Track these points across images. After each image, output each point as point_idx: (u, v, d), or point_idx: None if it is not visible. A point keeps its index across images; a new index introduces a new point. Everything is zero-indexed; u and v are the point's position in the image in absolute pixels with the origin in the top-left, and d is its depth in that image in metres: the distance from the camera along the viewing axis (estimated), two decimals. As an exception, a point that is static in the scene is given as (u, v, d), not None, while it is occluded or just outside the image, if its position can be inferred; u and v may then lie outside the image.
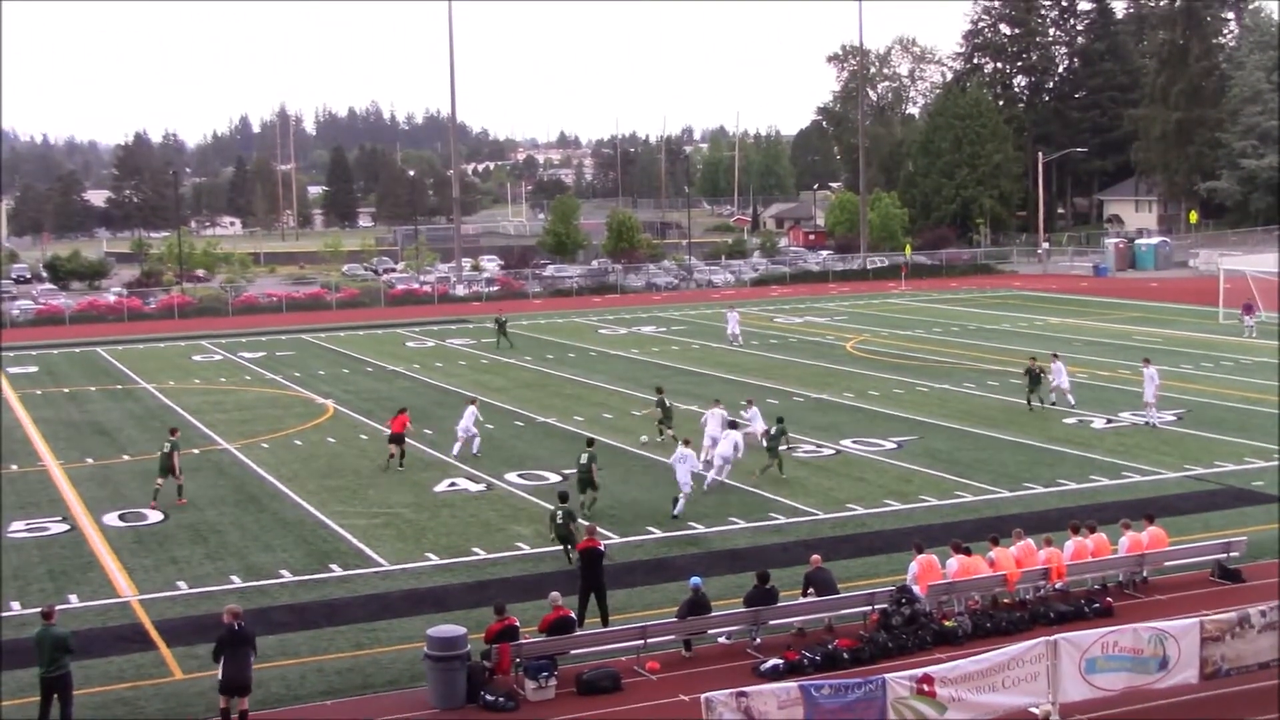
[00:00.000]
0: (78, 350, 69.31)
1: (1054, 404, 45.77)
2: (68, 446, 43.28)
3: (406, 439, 39.46)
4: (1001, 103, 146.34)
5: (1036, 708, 19.34)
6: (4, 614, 26.12)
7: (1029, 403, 45.61)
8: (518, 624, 22.28)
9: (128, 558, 29.99)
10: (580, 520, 29.00)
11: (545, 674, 21.62)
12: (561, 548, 28.70)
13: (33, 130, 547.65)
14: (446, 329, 76.10)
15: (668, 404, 41.62)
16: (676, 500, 32.77)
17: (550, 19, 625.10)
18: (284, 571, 28.77)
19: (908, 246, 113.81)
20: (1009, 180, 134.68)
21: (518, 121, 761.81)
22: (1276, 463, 36.52)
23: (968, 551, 25.03)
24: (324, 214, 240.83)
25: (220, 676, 20.35)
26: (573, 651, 22.43)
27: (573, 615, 23.33)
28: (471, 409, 40.86)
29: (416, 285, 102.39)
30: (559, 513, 28.52)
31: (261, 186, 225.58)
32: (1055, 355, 48.44)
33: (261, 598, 26.58)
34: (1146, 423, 42.41)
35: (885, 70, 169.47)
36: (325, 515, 33.40)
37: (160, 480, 35.10)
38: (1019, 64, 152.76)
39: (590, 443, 34.98)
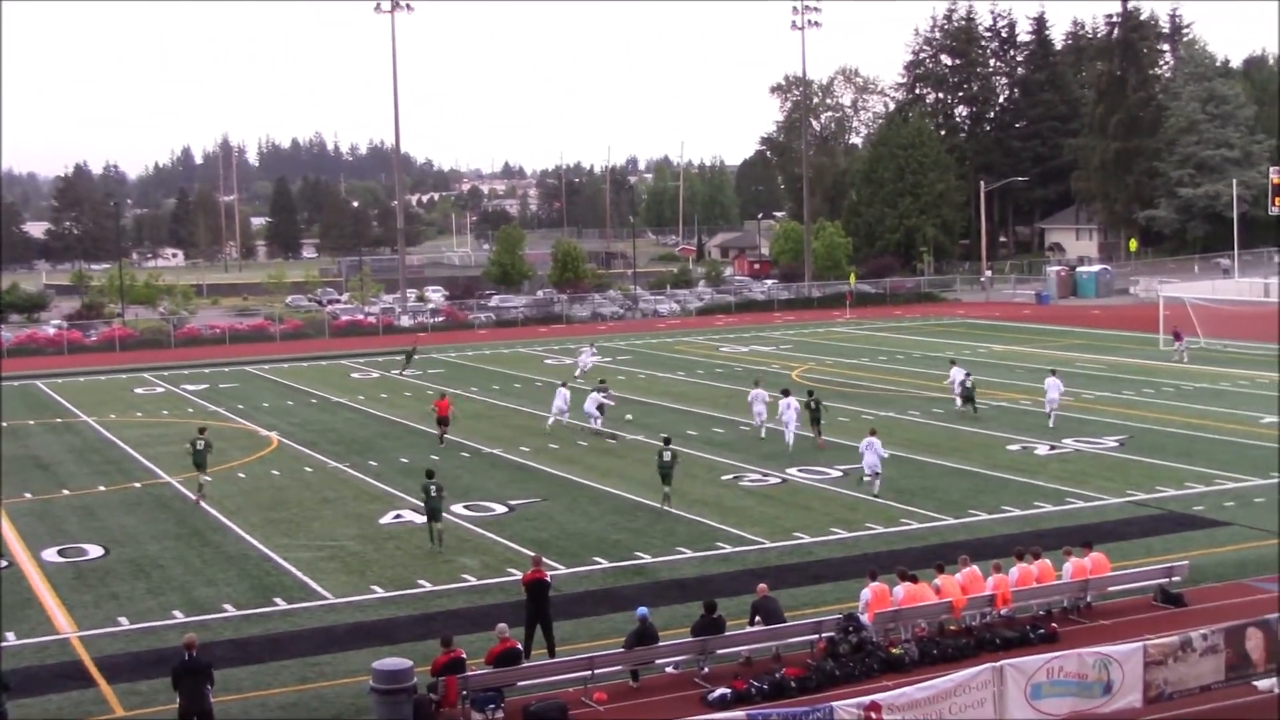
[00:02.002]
0: (16, 384, 68.44)
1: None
2: (6, 481, 42.66)
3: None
4: (943, 132, 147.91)
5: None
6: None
7: (973, 409, 49.08)
8: (464, 656, 22.12)
9: (67, 594, 29.61)
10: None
11: (492, 706, 21.50)
12: (428, 524, 32.71)
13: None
14: (392, 360, 75.67)
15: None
16: (871, 481, 36.80)
17: (495, 50, 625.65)
18: (227, 606, 28.48)
19: (852, 275, 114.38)
20: (952, 209, 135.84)
21: (462, 152, 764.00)
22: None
23: (914, 579, 25.08)
24: (267, 245, 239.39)
25: (178, 706, 20.29)
26: (520, 683, 22.30)
27: (519, 647, 23.21)
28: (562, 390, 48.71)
29: (361, 316, 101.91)
30: (431, 486, 32.27)
31: (204, 218, 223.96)
32: (1053, 371, 50.31)
33: (204, 632, 26.21)
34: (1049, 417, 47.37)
35: (828, 100, 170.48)
36: (269, 548, 33.11)
37: (205, 477, 38.91)
38: (960, 94, 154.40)
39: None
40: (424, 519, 34.80)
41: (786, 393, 47.15)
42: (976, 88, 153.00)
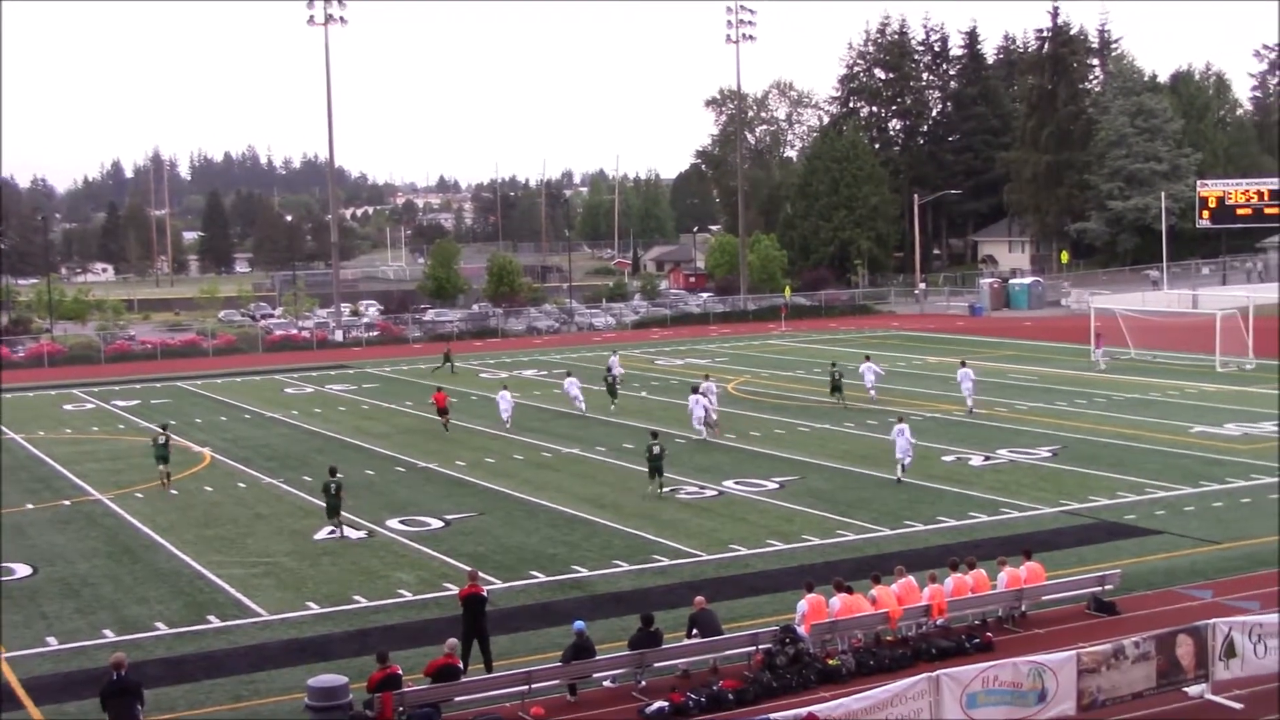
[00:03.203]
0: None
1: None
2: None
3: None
4: (878, 145, 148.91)
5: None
6: None
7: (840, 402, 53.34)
8: (400, 672, 21.97)
9: (-6, 613, 29.18)
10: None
11: (429, 722, 21.29)
12: (335, 520, 34.86)
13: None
14: (326, 375, 75.29)
15: (656, 450, 39.79)
16: (902, 467, 39.99)
17: (429, 63, 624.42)
18: (159, 624, 28.14)
19: (787, 288, 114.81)
20: (886, 222, 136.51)
21: (397, 166, 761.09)
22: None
23: (850, 590, 25.14)
24: (200, 260, 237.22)
25: None
26: (456, 699, 22.16)
27: (459, 663, 23.03)
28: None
29: (295, 331, 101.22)
30: (332, 485, 34.42)
31: (135, 232, 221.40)
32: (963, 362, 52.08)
33: (136, 651, 25.82)
34: (972, 406, 51.89)
35: (763, 114, 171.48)
36: (202, 565, 32.74)
37: (163, 467, 42.61)
38: (894, 108, 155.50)
39: (655, 435, 41.06)
40: (361, 534, 34.73)
41: (695, 389, 50.83)
42: (910, 101, 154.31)
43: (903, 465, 40.43)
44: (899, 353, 77.91)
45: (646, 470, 39.83)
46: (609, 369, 60.30)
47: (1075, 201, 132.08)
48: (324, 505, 35.85)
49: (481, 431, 52.32)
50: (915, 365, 71.07)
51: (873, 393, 56.55)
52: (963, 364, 56.18)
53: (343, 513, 35.75)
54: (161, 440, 43.70)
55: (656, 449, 39.46)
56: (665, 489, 39.42)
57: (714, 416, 50.47)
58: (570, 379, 57.42)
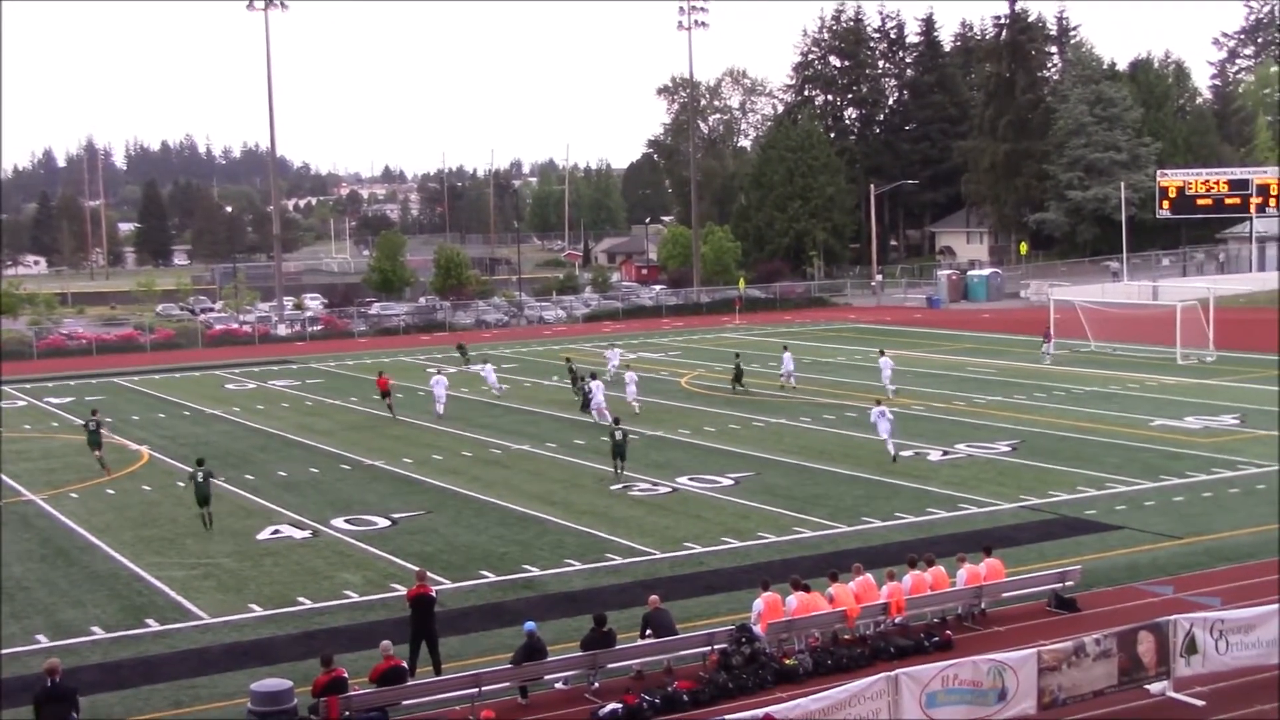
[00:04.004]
0: None
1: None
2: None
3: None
4: (833, 135, 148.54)
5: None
6: None
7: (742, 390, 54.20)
8: (346, 675, 21.51)
9: (-78, 619, 28.32)
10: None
11: (376, 727, 20.83)
12: (201, 510, 35.06)
13: None
14: (268, 370, 74.39)
15: (619, 436, 41.02)
16: (891, 449, 41.71)
17: (374, 49, 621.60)
18: (95, 628, 27.42)
19: (741, 280, 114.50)
20: (842, 213, 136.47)
21: (340, 155, 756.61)
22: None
23: (807, 588, 24.86)
24: (136, 252, 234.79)
25: None
26: (405, 702, 21.74)
27: (404, 665, 22.62)
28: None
29: (236, 325, 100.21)
30: (199, 474, 34.86)
31: (68, 223, 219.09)
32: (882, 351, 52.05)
33: (71, 657, 25.09)
34: (893, 392, 53.96)
35: (716, 102, 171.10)
36: (140, 567, 32.01)
37: (98, 452, 43.98)
38: (849, 96, 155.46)
39: (618, 421, 42.40)
40: (305, 534, 34.19)
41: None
42: (866, 89, 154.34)
43: (892, 445, 42.01)
44: (855, 345, 77.75)
45: (610, 454, 40.84)
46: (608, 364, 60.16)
47: (1034, 191, 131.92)
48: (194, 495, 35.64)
49: (428, 428, 51.70)
50: (870, 359, 70.61)
51: (792, 380, 58.23)
52: (881, 353, 58.64)
53: (302, 519, 35.24)
54: (92, 426, 44.74)
55: (619, 435, 40.45)
56: (621, 476, 40.17)
57: (636, 408, 52.35)
58: (439, 378, 55.74)
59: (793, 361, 59.63)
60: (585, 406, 52.55)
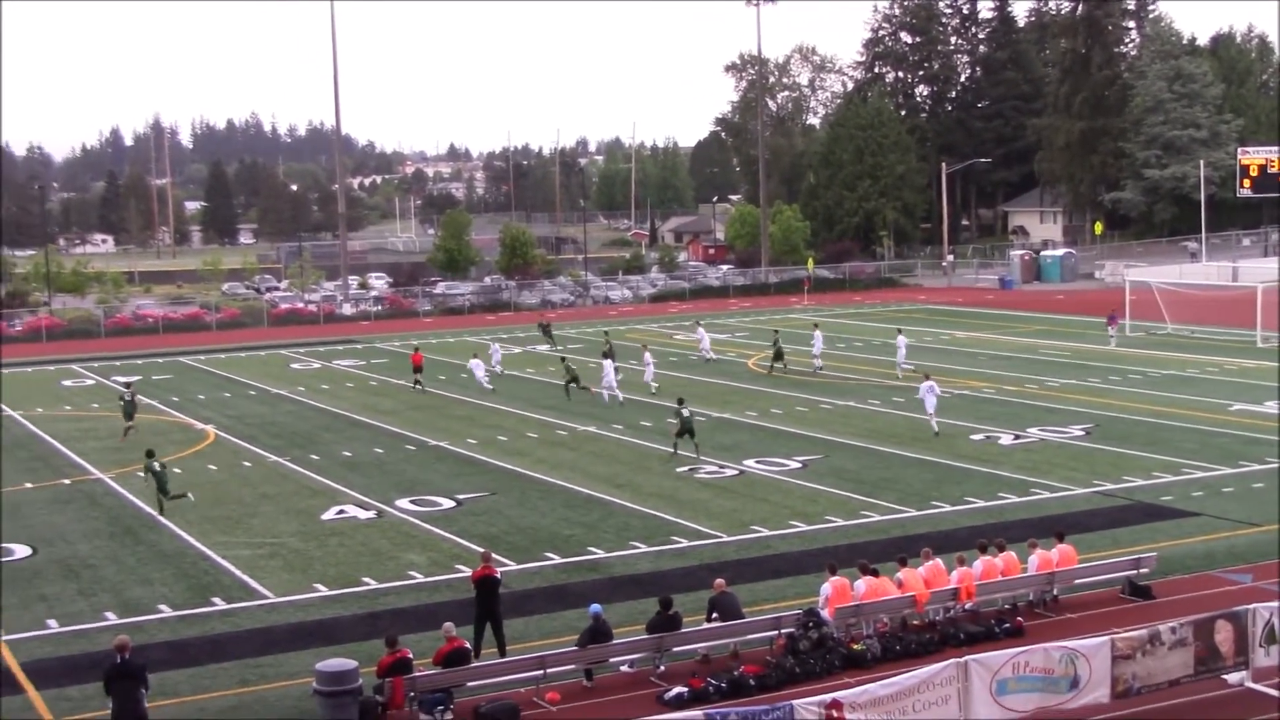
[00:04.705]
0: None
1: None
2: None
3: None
4: (904, 112, 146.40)
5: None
6: None
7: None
8: (410, 656, 21.51)
9: (-8, 595, 28.60)
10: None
11: (441, 708, 20.99)
12: (169, 496, 35.23)
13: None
14: (333, 350, 74.70)
15: (686, 413, 41.32)
16: (934, 425, 42.83)
17: (439, 27, 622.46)
18: (163, 606, 27.57)
19: (810, 260, 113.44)
20: (912, 192, 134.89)
21: (406, 133, 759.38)
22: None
23: (875, 573, 24.63)
24: (202, 230, 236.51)
25: (111, 712, 19.65)
26: (469, 683, 21.75)
27: (468, 646, 22.61)
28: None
29: (301, 304, 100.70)
30: (155, 464, 35.41)
31: (135, 202, 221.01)
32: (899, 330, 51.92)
33: (139, 634, 25.24)
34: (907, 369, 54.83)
35: (785, 80, 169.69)
36: (207, 546, 32.17)
37: (130, 423, 46.24)
38: (921, 73, 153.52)
39: (682, 401, 42.36)
40: (370, 515, 34.48)
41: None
42: (937, 66, 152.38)
43: (935, 421, 42.73)
44: (926, 327, 76.97)
45: (677, 434, 40.87)
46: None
47: (1110, 170, 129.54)
48: (157, 486, 35.55)
49: (493, 409, 51.68)
50: (942, 340, 70.17)
51: (904, 365, 56.99)
52: (899, 331, 59.51)
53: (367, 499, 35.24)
54: (127, 398, 47.46)
55: (686, 412, 40.93)
56: (678, 460, 40.19)
57: (653, 387, 53.34)
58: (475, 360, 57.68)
59: (822, 341, 60.05)
60: (574, 381, 53.37)
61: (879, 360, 57.85)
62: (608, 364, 52.93)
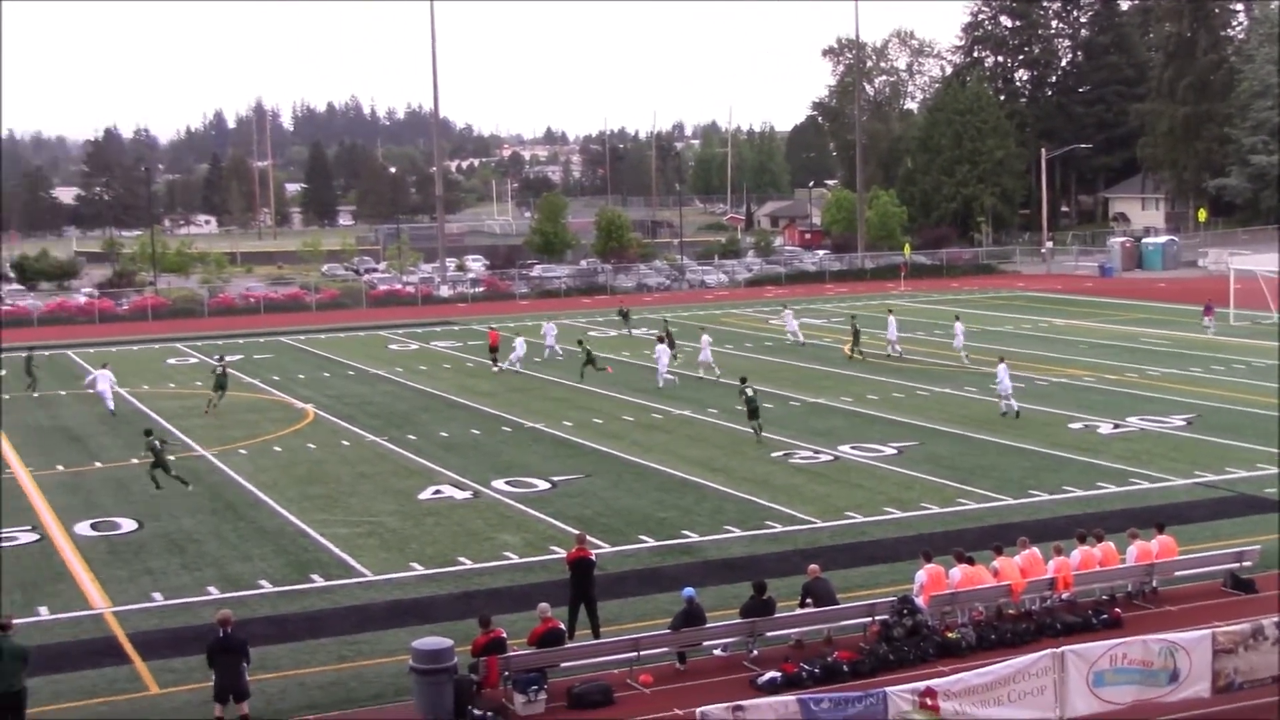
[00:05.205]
0: (47, 353, 67.99)
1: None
2: (37, 453, 42.36)
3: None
4: (1003, 97, 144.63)
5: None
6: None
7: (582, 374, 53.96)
8: (505, 636, 21.63)
9: (100, 568, 29.18)
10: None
11: (535, 687, 21.02)
12: (154, 476, 35.79)
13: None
14: (431, 331, 75.29)
15: (750, 393, 41.74)
16: (1008, 405, 43.44)
17: (537, 11, 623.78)
18: (263, 582, 28.01)
19: (907, 246, 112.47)
20: (1011, 177, 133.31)
21: (503, 117, 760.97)
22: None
23: (971, 561, 24.40)
24: (302, 212, 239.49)
25: (213, 685, 20.01)
26: (563, 664, 21.83)
27: (562, 627, 22.70)
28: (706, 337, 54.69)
29: (399, 286, 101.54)
30: (155, 443, 36.14)
31: (237, 184, 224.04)
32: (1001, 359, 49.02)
33: (240, 609, 25.57)
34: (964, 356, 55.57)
35: (882, 64, 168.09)
36: (306, 524, 32.61)
37: (217, 395, 48.57)
38: (1021, 57, 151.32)
39: (745, 379, 43.34)
40: (466, 495, 34.85)
41: (661, 339, 55.05)
42: (1038, 50, 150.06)
43: (1004, 403, 43.45)
44: (1023, 314, 76.18)
45: (747, 415, 41.27)
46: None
47: (1214, 156, 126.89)
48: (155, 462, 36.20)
49: (589, 391, 51.84)
50: (1040, 327, 69.33)
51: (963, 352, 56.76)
52: (956, 318, 59.96)
53: (464, 479, 35.74)
54: (219, 370, 49.61)
55: (750, 391, 41.51)
56: (772, 444, 40.27)
57: (717, 371, 53.64)
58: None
59: (897, 327, 60.22)
60: (590, 361, 54.46)
61: (976, 347, 57.20)
62: (662, 348, 53.33)
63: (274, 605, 26.54)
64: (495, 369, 57.24)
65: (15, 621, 20.81)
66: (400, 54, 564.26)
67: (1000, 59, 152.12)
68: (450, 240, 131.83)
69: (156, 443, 36.42)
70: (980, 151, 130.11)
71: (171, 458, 37.33)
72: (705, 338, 55.56)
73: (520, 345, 58.57)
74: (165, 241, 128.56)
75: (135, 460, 40.46)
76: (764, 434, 41.02)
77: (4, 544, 31.32)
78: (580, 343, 57.54)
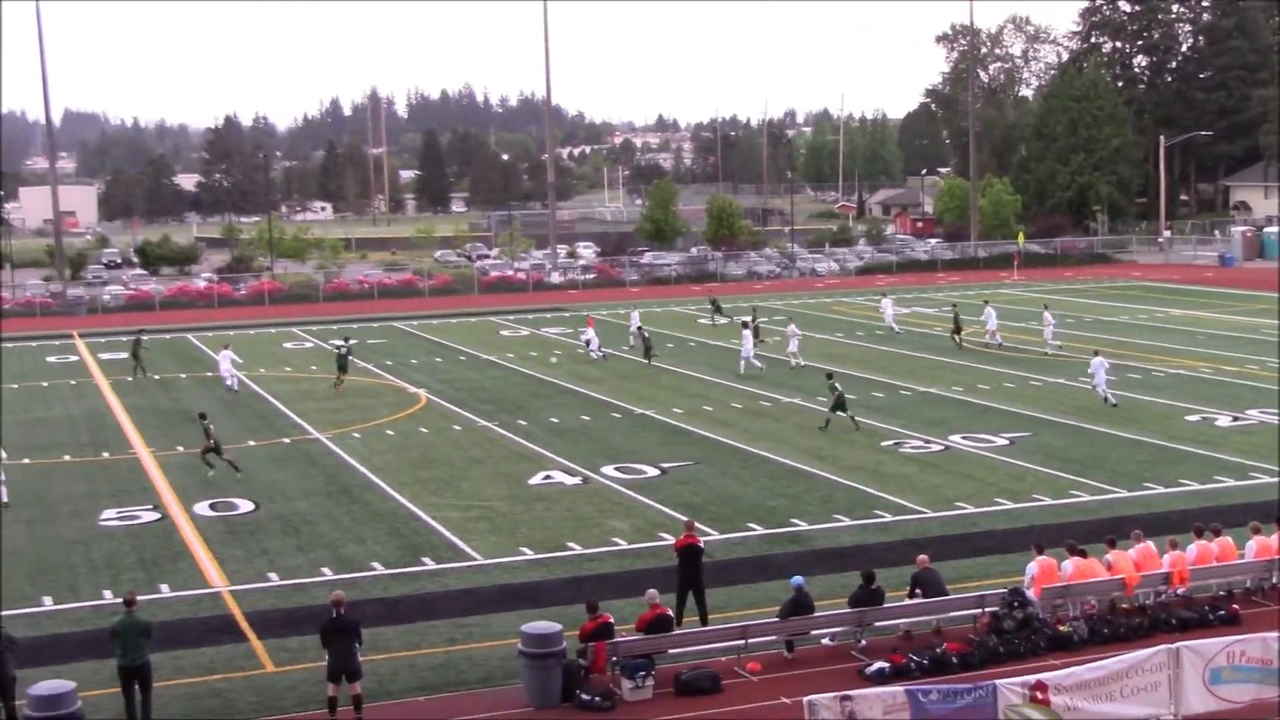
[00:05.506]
0: (168, 336, 69.53)
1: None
2: (158, 434, 43.23)
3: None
4: (1121, 84, 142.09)
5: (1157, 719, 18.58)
6: (95, 603, 26.15)
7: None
8: (612, 621, 21.72)
9: (219, 548, 29.77)
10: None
11: (642, 673, 21.11)
12: (221, 460, 36.37)
13: (124, 114, 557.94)
14: (542, 317, 75.69)
15: (838, 387, 41.66)
16: (1105, 395, 43.46)
17: None
18: (376, 564, 28.39)
19: (1020, 234, 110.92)
20: (1128, 165, 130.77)
21: (615, 104, 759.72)
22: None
23: (1083, 554, 24.11)
24: (416, 199, 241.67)
25: (327, 663, 20.30)
26: (671, 651, 21.87)
27: (670, 614, 22.73)
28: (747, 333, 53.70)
29: (511, 272, 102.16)
30: (210, 427, 36.86)
31: (353, 171, 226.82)
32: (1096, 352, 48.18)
33: (353, 590, 25.94)
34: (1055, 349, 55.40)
35: (997, 50, 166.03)
36: (417, 507, 32.98)
37: (342, 375, 50.46)
38: (1140, 43, 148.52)
39: (830, 375, 43.00)
40: (576, 480, 35.13)
41: (745, 325, 55.02)
42: (1157, 36, 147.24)
43: (1102, 391, 43.54)
44: (1139, 304, 74.82)
45: (831, 408, 41.21)
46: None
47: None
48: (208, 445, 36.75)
49: (699, 379, 51.86)
50: (1156, 318, 68.08)
51: (1052, 342, 56.66)
52: (1045, 307, 59.70)
53: (573, 465, 36.04)
54: (343, 350, 51.79)
55: (839, 385, 41.45)
56: (882, 434, 40.38)
57: (793, 363, 53.53)
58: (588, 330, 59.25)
59: (995, 319, 59.20)
60: (647, 354, 55.45)
61: (1090, 337, 56.34)
62: (747, 334, 53.41)
63: (386, 587, 26.88)
64: (597, 356, 57.33)
65: (139, 598, 21.28)
66: (513, 42, 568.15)
67: (1119, 44, 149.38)
68: (561, 227, 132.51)
69: (211, 426, 37.19)
70: (1096, 139, 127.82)
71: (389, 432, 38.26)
72: (792, 327, 55.47)
73: (589, 334, 58.75)
74: (282, 227, 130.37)
75: (252, 442, 41.23)
76: (855, 420, 41.21)
77: (127, 522, 32.09)
78: (639, 328, 58.94)
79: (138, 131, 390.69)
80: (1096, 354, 45.24)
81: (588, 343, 58.01)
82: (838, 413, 40.90)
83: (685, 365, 54.97)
